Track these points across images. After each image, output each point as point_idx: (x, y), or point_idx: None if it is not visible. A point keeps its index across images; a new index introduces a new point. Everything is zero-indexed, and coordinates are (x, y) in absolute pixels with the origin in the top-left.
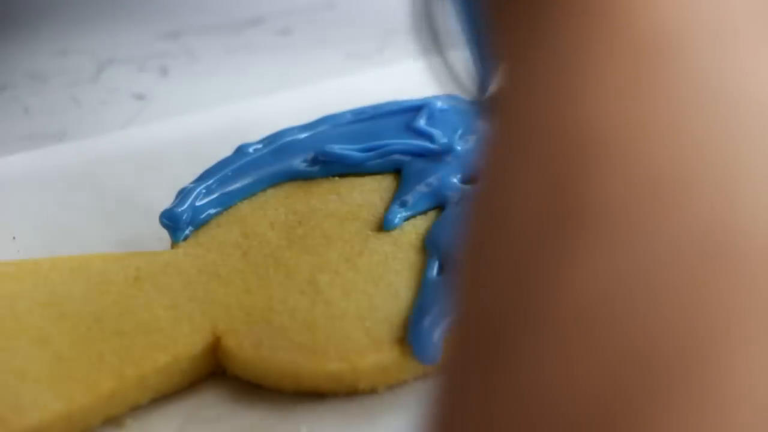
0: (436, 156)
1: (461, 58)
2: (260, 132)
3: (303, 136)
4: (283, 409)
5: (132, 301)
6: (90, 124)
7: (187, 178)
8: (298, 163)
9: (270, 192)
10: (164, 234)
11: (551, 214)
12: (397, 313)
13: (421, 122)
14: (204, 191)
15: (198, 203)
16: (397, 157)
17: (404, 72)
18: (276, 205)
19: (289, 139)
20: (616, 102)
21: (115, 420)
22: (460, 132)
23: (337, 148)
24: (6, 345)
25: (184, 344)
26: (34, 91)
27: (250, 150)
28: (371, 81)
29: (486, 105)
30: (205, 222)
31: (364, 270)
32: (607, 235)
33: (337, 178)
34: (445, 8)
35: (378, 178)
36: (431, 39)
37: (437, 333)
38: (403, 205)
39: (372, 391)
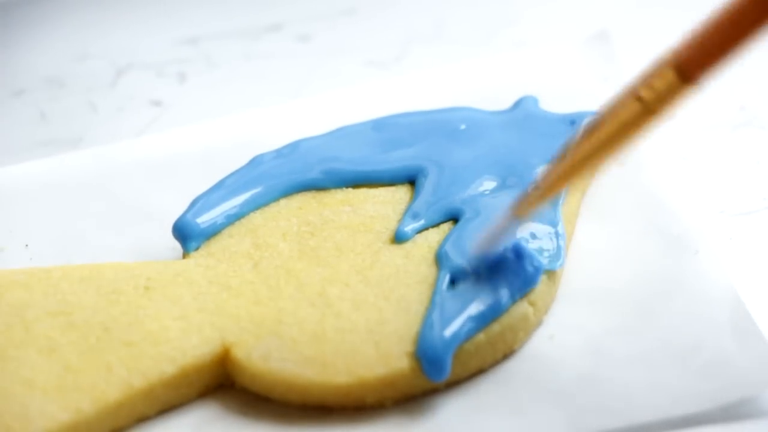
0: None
1: None
2: (277, 140)
3: (318, 146)
4: (291, 422)
5: (141, 311)
6: (106, 130)
7: (201, 187)
8: (312, 173)
9: (283, 202)
10: (177, 243)
11: None
12: (407, 327)
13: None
14: (217, 201)
15: (210, 213)
16: (409, 164)
17: (423, 80)
18: (288, 216)
19: (304, 149)
20: None
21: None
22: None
23: (344, 161)
24: (14, 354)
25: (193, 356)
26: (52, 96)
27: (265, 161)
28: (390, 89)
29: None
30: (217, 232)
31: (374, 283)
32: None
33: (350, 189)
34: None
35: (391, 189)
36: None
37: (447, 348)
38: (416, 217)
39: (380, 406)
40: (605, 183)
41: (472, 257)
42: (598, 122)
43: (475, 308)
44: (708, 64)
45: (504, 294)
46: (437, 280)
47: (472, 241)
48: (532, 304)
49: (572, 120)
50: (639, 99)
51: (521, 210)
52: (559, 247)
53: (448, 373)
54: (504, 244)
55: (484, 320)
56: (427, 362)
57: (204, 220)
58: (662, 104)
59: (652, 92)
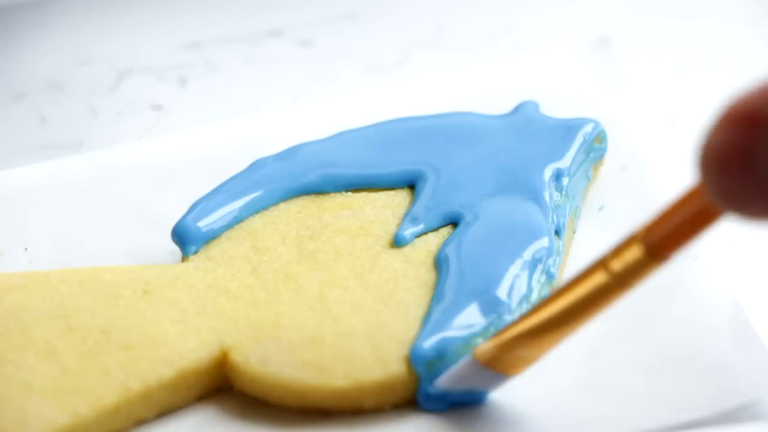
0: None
1: None
2: (277, 145)
3: (318, 150)
4: (289, 426)
5: (140, 314)
6: (107, 134)
7: (201, 191)
8: (312, 177)
9: (282, 206)
10: (176, 247)
11: None
12: (406, 331)
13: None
14: (216, 205)
15: (210, 217)
16: (409, 168)
17: (424, 85)
18: (288, 220)
19: (304, 153)
20: None
21: None
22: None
23: (343, 166)
24: (12, 357)
25: (191, 359)
26: (52, 100)
27: (265, 165)
28: (391, 94)
29: None
30: (216, 236)
31: (373, 287)
32: None
33: (350, 193)
34: None
35: (391, 193)
36: None
37: (441, 352)
38: (415, 221)
39: (378, 410)
40: (606, 186)
41: (443, 390)
42: (567, 287)
43: (472, 314)
44: (677, 245)
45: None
46: (436, 285)
47: (442, 377)
48: None
49: (572, 125)
50: (607, 270)
51: (483, 356)
52: (558, 249)
53: (442, 377)
54: (475, 390)
55: (482, 326)
56: (420, 366)
57: (203, 223)
58: (629, 278)
59: (621, 265)
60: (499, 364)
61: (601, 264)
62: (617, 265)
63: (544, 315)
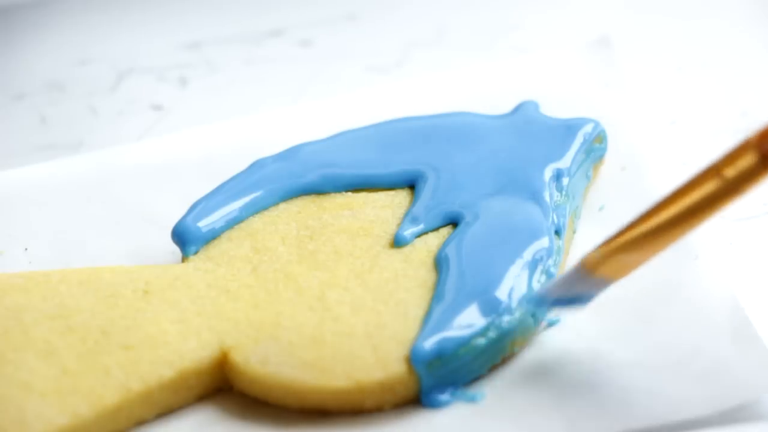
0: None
1: None
2: (277, 145)
3: (318, 150)
4: (289, 426)
5: (140, 314)
6: (107, 134)
7: (201, 191)
8: (312, 177)
9: (282, 206)
10: (176, 247)
11: None
12: (405, 331)
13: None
14: (216, 205)
15: (210, 217)
16: (409, 168)
17: (424, 86)
18: (288, 220)
19: (304, 153)
20: None
21: None
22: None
23: (343, 166)
24: (12, 357)
25: (191, 359)
26: (52, 101)
27: (265, 165)
28: (391, 94)
29: None
30: (216, 236)
31: (373, 287)
32: None
33: (350, 193)
34: None
35: (391, 193)
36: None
37: (441, 352)
38: (415, 221)
39: (378, 410)
40: (606, 186)
41: (548, 300)
42: (677, 194)
43: (472, 314)
44: None
45: (504, 300)
46: (436, 285)
47: (549, 285)
48: None
49: (572, 125)
50: (720, 177)
51: (592, 264)
52: (559, 249)
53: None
54: (579, 295)
55: (482, 327)
56: (420, 367)
57: (203, 224)
58: (742, 184)
59: (734, 172)
60: (606, 269)
61: (713, 171)
62: (731, 171)
63: (654, 222)
